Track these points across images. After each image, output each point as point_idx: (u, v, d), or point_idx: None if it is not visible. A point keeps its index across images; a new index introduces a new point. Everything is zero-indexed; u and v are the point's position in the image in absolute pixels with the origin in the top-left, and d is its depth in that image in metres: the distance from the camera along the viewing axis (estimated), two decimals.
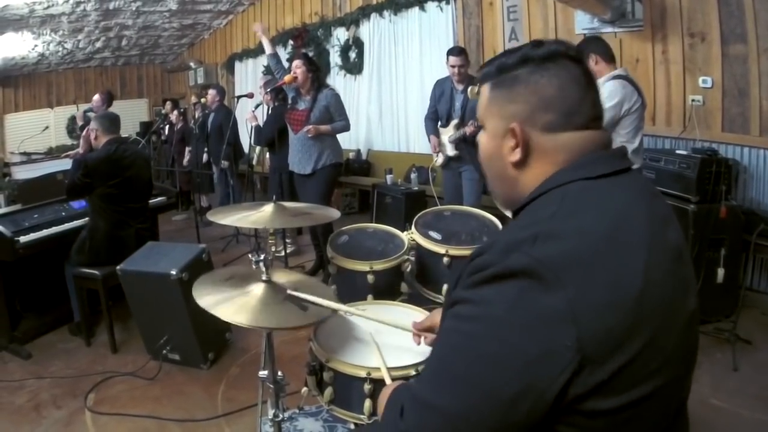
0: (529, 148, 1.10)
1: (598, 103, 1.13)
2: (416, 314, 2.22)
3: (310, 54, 8.98)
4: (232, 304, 2.00)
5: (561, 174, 1.07)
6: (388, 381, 1.79)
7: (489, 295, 0.95)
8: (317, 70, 5.36)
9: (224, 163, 7.49)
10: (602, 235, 0.97)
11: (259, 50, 10.29)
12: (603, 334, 0.90)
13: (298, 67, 5.17)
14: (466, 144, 5.06)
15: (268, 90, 5.66)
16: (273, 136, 5.99)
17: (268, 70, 9.61)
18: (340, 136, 5.47)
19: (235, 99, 6.78)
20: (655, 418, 1.00)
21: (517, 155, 1.11)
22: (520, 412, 0.90)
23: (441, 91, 5.29)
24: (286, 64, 8.96)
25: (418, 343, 1.80)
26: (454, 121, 5.14)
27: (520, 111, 1.10)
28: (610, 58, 3.80)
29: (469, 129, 4.88)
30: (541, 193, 1.08)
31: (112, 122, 4.32)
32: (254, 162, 6.70)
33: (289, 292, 1.98)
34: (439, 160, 5.34)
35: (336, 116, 5.27)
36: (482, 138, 1.21)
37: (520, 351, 0.90)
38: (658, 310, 0.96)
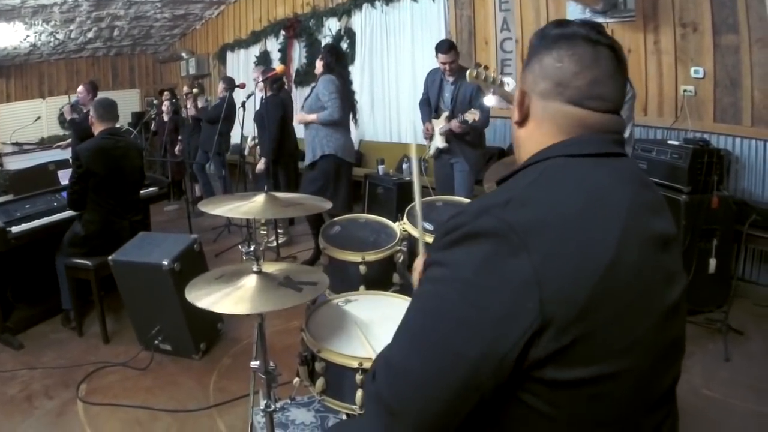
0: (528, 112, 1.18)
1: (604, 84, 1.13)
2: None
3: (302, 44, 8.96)
4: (230, 299, 2.02)
5: (547, 150, 1.11)
6: None
7: (458, 257, 0.97)
8: (331, 58, 5.24)
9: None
10: (576, 209, 0.98)
11: (250, 41, 10.26)
12: (565, 300, 0.91)
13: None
14: (456, 138, 5.00)
15: (263, 79, 5.61)
16: (277, 131, 5.83)
17: (260, 61, 9.61)
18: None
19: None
20: (623, 403, 1.00)
21: (517, 115, 1.20)
22: (485, 374, 0.92)
23: (432, 79, 5.23)
24: (278, 55, 8.91)
25: None
26: (446, 113, 5.05)
27: (529, 79, 1.18)
28: None
29: (454, 124, 4.83)
30: (526, 166, 1.12)
31: (105, 109, 4.25)
32: (246, 152, 6.66)
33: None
34: (431, 150, 5.27)
35: (324, 104, 5.10)
36: None
37: (486, 312, 0.92)
38: (628, 290, 0.97)
